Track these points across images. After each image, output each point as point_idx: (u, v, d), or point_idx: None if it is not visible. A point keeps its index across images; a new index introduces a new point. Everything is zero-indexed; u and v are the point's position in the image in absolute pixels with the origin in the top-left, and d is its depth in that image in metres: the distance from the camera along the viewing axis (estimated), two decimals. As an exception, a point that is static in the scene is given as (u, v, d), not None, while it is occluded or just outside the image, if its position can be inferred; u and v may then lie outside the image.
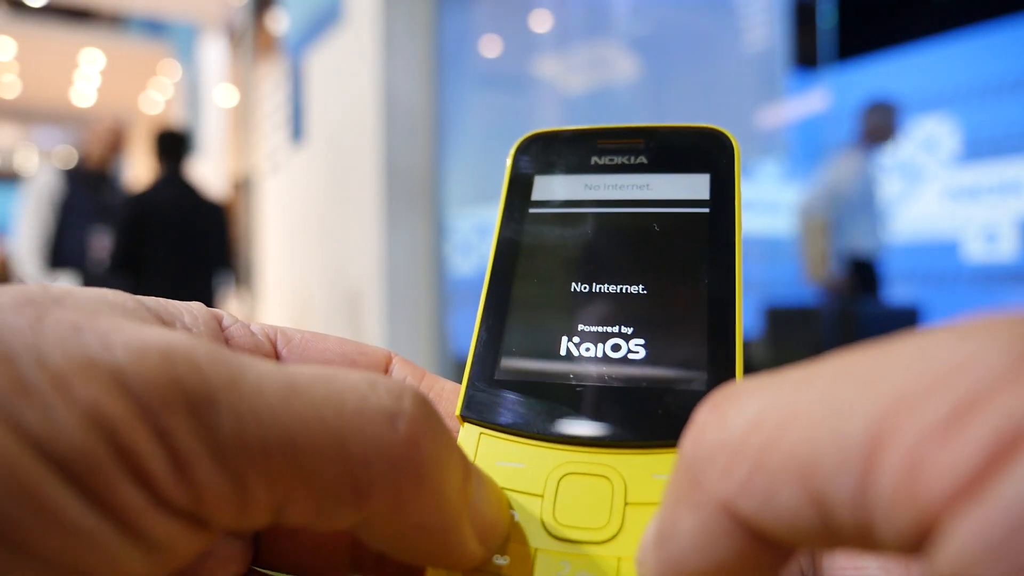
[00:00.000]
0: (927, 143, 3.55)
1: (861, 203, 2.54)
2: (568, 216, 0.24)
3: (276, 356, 0.22)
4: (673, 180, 0.24)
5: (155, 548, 0.14)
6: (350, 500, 0.15)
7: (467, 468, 0.17)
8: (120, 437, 0.13)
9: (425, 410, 0.16)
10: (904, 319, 2.83)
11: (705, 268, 0.22)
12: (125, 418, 0.13)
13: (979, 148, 3.42)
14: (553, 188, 0.25)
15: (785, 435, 0.12)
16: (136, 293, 0.19)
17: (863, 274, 2.58)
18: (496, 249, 0.24)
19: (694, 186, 0.24)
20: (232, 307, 3.69)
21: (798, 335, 2.81)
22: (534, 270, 0.24)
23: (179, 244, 2.55)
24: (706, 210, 0.23)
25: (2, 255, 3.12)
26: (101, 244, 2.79)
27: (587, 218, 0.24)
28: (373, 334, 2.11)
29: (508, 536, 0.19)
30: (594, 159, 0.25)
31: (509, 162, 0.26)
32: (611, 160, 0.25)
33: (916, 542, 0.11)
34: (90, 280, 2.79)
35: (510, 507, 0.20)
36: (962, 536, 0.10)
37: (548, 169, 0.25)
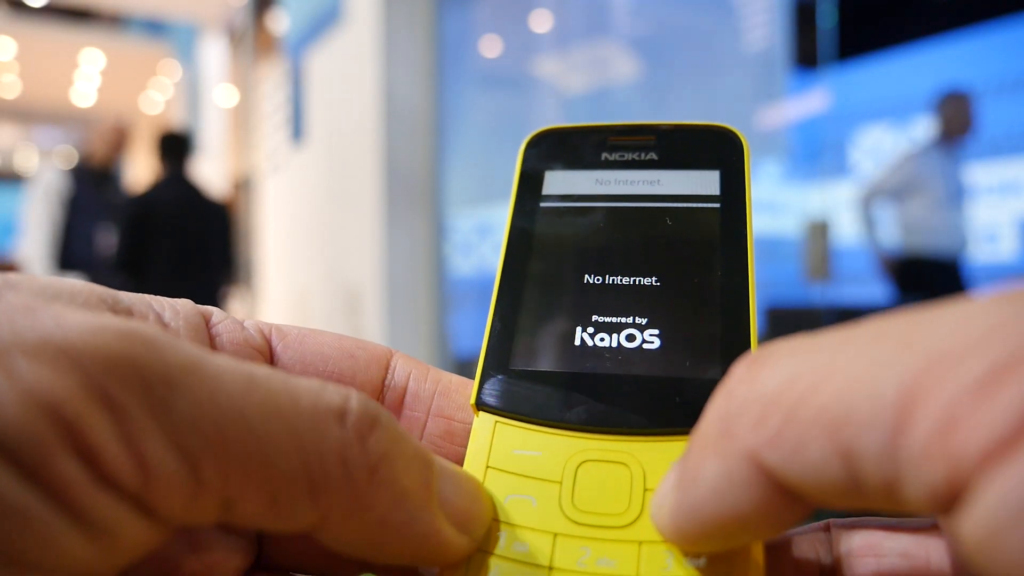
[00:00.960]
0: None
1: (931, 200, 2.38)
2: (580, 210, 0.25)
3: (270, 352, 0.22)
4: (683, 177, 0.24)
5: (98, 532, 0.13)
6: (305, 495, 0.15)
7: (428, 460, 0.17)
8: (65, 410, 0.13)
9: (371, 409, 0.16)
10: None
11: (718, 261, 0.22)
12: (72, 391, 0.13)
13: (979, 148, 3.41)
14: (564, 183, 0.25)
15: (819, 390, 0.12)
16: (139, 291, 0.19)
17: (931, 274, 2.42)
18: (508, 241, 0.24)
19: (704, 182, 0.24)
20: (234, 306, 3.69)
21: (798, 335, 2.80)
22: (547, 262, 0.24)
23: (182, 244, 2.55)
24: (717, 205, 0.23)
25: (11, 262, 3.12)
26: (107, 242, 2.80)
27: (599, 212, 0.25)
28: (373, 334, 2.11)
29: (524, 523, 0.19)
30: (604, 155, 0.25)
31: (520, 156, 0.26)
32: (622, 156, 0.25)
33: (944, 501, 0.11)
34: (97, 280, 2.78)
35: (518, 493, 0.20)
36: (995, 494, 0.10)
37: (559, 164, 0.26)
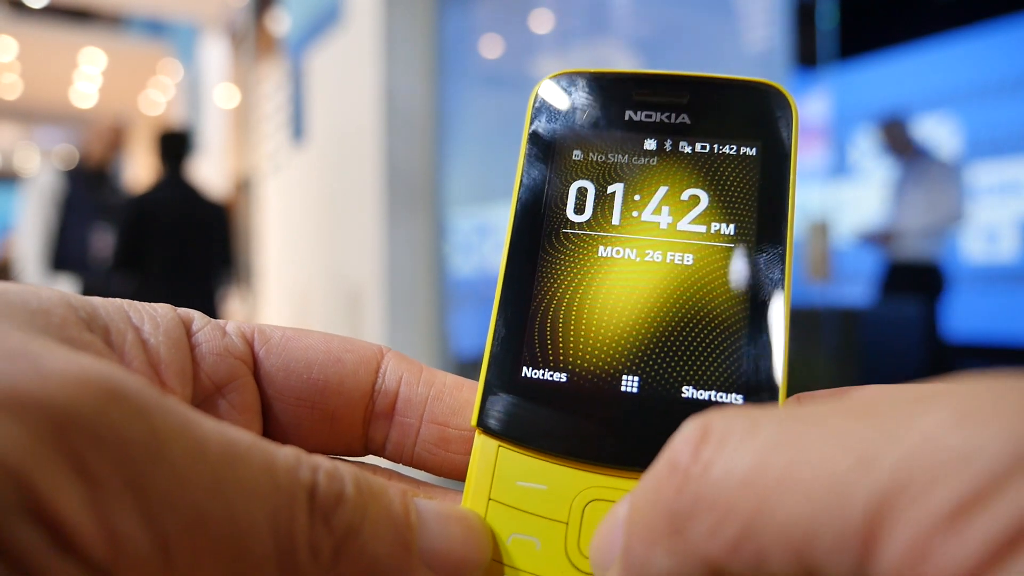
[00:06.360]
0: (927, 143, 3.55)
1: None
2: (598, 185, 0.21)
3: (253, 358, 0.21)
4: (718, 158, 0.21)
5: None
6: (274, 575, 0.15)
7: (404, 522, 0.17)
8: (27, 474, 0.12)
9: (337, 482, 0.16)
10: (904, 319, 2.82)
11: (751, 289, 0.20)
12: (40, 453, 0.12)
13: (979, 148, 3.41)
14: (580, 153, 0.22)
15: (780, 502, 0.12)
16: (139, 292, 0.19)
17: None
18: (514, 223, 0.21)
19: (741, 170, 0.21)
20: (234, 306, 3.69)
21: (798, 335, 2.81)
22: (561, 251, 0.21)
23: (181, 244, 2.55)
24: (753, 219, 0.20)
25: (6, 256, 3.13)
26: (103, 242, 2.80)
27: (617, 196, 0.21)
28: (373, 334, 2.11)
29: (526, 567, 0.18)
30: (628, 114, 0.22)
31: (528, 115, 0.23)
32: (648, 117, 0.22)
33: None
34: (92, 280, 2.80)
35: (521, 532, 0.18)
36: None
37: (574, 126, 0.22)
